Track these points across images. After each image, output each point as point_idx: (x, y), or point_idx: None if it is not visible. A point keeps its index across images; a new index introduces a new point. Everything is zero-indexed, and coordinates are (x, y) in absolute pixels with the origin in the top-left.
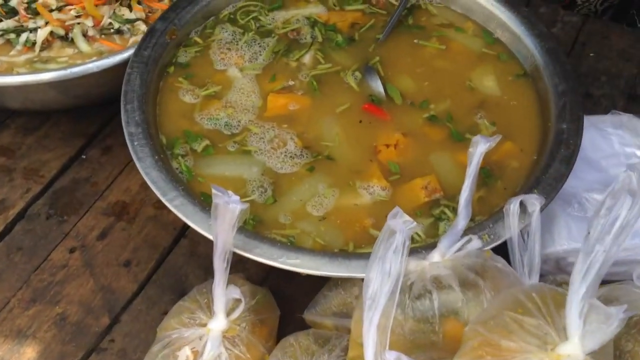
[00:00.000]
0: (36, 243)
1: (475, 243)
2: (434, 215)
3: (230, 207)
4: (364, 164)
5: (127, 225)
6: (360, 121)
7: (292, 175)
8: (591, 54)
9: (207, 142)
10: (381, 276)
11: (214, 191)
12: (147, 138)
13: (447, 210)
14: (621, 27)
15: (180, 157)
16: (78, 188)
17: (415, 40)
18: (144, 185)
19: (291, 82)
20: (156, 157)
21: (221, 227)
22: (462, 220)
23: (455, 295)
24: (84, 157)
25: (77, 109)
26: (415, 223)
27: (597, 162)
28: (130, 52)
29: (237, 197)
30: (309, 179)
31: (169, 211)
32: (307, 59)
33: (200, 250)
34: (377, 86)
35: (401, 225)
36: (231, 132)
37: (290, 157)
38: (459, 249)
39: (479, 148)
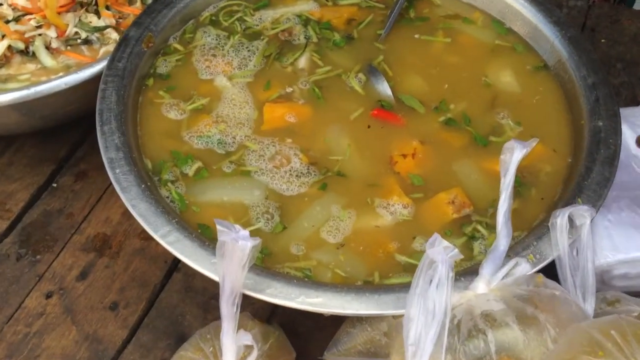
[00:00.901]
0: (7, 289)
1: (524, 267)
2: (466, 234)
3: (239, 244)
4: (380, 178)
5: (110, 262)
6: (369, 126)
7: (301, 197)
8: (602, 40)
9: (199, 163)
10: (424, 316)
11: (218, 227)
12: (130, 164)
13: (480, 227)
14: (630, 9)
15: (169, 184)
16: (51, 221)
17: (416, 35)
18: (127, 214)
19: (289, 89)
20: (142, 185)
21: (229, 267)
22: (503, 240)
23: (514, 335)
24: (54, 185)
25: (43, 131)
26: (456, 250)
27: (628, 162)
28: (103, 64)
29: (247, 232)
30: (320, 200)
31: (158, 242)
32: (302, 62)
33: (197, 285)
34: (385, 89)
35: (442, 253)
36: (226, 150)
37: (296, 176)
38: (506, 275)
39: (515, 155)
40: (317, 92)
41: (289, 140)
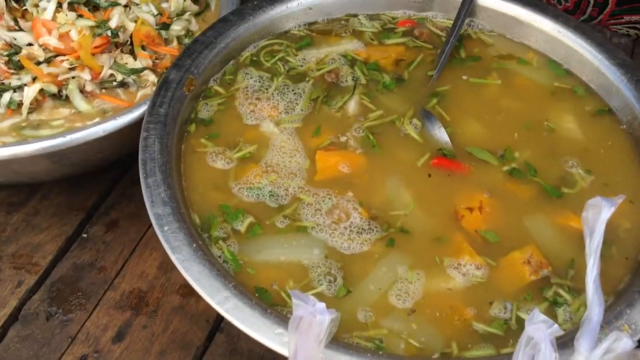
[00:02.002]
0: (37, 352)
1: (625, 342)
2: (547, 299)
3: (317, 319)
4: (447, 234)
5: (148, 321)
6: (430, 175)
7: (364, 257)
8: None
9: (250, 219)
10: None
11: (294, 300)
12: (179, 220)
13: (562, 291)
14: None
15: (221, 242)
16: (82, 276)
17: (466, 77)
18: (163, 268)
19: (343, 138)
20: (194, 244)
21: (304, 343)
22: (596, 310)
23: None
24: (84, 236)
25: (70, 178)
26: (556, 325)
27: None
28: (142, 109)
29: (323, 305)
30: (385, 260)
31: (198, 298)
32: (352, 105)
33: (242, 347)
34: (442, 135)
35: (544, 331)
36: (278, 203)
37: (357, 232)
38: (606, 352)
39: (603, 214)
40: (372, 140)
41: (348, 192)
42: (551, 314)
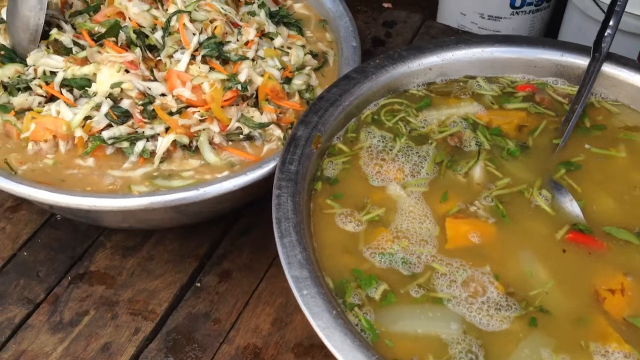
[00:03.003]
0: None
1: None
2: None
3: None
4: (588, 316)
5: None
6: (564, 251)
7: (504, 335)
8: None
9: (384, 286)
10: None
11: None
12: (317, 284)
13: None
14: None
15: (356, 309)
16: (197, 327)
17: (588, 146)
18: (277, 324)
19: (472, 208)
20: (334, 312)
21: None
22: None
23: None
24: (198, 285)
25: (183, 226)
26: None
27: None
28: (271, 165)
29: None
30: (526, 341)
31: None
32: (477, 171)
33: None
34: (574, 209)
35: None
36: (411, 271)
37: (495, 308)
38: None
39: None
40: (502, 209)
41: (483, 265)
42: None
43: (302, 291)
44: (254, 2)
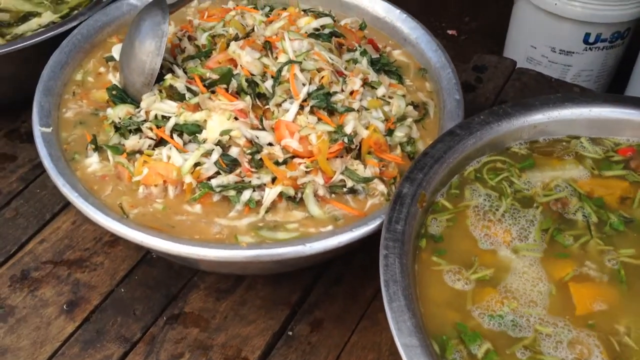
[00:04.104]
0: None
1: None
2: None
3: None
4: None
5: None
6: None
7: None
8: None
9: (488, 344)
10: None
11: None
12: (427, 355)
13: None
14: None
15: None
16: None
17: None
18: None
19: (591, 272)
20: None
21: None
22: None
23: None
24: (290, 333)
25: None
26: None
27: None
28: (377, 222)
29: None
30: None
31: None
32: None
33: None
34: None
35: None
36: (519, 333)
37: None
38: None
39: None
40: (622, 276)
41: (612, 330)
42: None
43: None
44: (355, 49)
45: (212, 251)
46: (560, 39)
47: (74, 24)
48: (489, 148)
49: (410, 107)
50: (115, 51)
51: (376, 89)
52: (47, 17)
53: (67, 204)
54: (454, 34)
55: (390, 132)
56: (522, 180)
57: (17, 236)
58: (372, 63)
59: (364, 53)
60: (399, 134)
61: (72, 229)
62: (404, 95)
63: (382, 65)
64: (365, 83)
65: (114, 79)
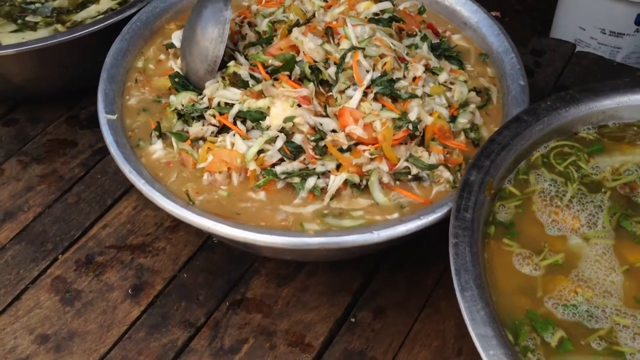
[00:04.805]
0: None
1: None
2: None
3: None
4: None
5: None
6: None
7: None
8: None
9: (561, 332)
10: None
11: None
12: (503, 346)
13: None
14: None
15: (530, 354)
16: None
17: None
18: None
19: None
20: None
21: None
22: None
23: None
24: (352, 320)
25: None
26: None
27: None
28: (444, 210)
29: None
30: None
31: None
32: None
33: None
34: None
35: None
36: (597, 325)
37: None
38: None
39: None
40: None
41: None
42: None
43: (489, 351)
44: (415, 34)
45: (282, 239)
46: (611, 20)
47: (133, 10)
48: (557, 133)
49: (473, 93)
50: (176, 38)
51: (438, 75)
52: (105, 3)
53: (128, 190)
54: (498, 15)
55: (453, 119)
56: (590, 165)
57: (80, 221)
58: (433, 48)
59: (424, 38)
60: (462, 121)
61: (134, 214)
62: (465, 81)
63: (443, 51)
64: (427, 69)
65: (174, 65)
